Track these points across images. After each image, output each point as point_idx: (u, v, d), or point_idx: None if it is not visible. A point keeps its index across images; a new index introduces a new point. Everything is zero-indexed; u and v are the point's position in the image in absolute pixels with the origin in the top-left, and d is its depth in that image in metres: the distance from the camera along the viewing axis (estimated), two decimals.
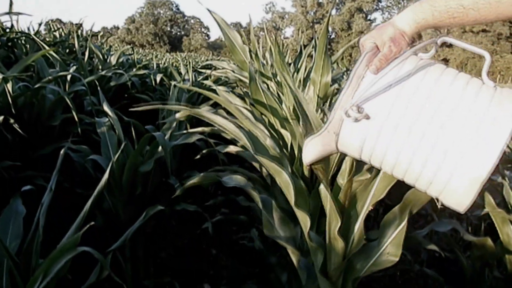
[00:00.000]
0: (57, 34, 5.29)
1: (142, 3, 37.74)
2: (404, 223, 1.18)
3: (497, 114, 0.70)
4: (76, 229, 1.17)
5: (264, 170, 1.86)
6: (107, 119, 2.30)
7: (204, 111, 1.30)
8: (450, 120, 0.71)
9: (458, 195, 0.73)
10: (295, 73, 2.22)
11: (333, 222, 1.17)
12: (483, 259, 1.68)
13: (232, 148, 1.86)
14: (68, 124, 2.53)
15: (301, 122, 1.85)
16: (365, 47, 0.82)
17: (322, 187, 1.21)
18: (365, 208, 1.20)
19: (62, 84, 2.73)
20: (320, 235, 1.25)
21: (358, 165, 1.26)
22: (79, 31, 5.43)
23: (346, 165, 1.23)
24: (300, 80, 2.03)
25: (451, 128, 0.71)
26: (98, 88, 2.60)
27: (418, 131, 0.73)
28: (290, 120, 1.79)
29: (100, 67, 3.63)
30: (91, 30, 5.31)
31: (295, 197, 1.22)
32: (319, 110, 1.85)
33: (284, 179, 1.22)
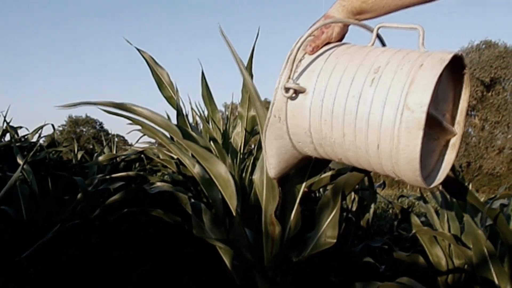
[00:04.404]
0: None
1: (64, 121, 37.05)
2: (338, 205, 1.16)
3: (425, 60, 0.70)
4: None
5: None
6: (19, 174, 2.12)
7: (128, 104, 1.26)
8: (382, 74, 0.72)
9: (404, 152, 0.69)
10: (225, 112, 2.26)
11: (270, 206, 1.13)
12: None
13: (159, 184, 1.78)
14: None
15: (229, 154, 1.85)
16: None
17: (256, 175, 1.19)
18: (301, 190, 1.17)
19: None
20: (254, 228, 1.19)
21: None
22: None
23: None
24: (227, 117, 2.07)
25: (384, 79, 0.71)
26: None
27: (355, 93, 0.73)
28: (219, 154, 1.78)
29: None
30: (9, 122, 5.06)
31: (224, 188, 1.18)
32: (247, 144, 1.87)
33: (217, 171, 1.19)
